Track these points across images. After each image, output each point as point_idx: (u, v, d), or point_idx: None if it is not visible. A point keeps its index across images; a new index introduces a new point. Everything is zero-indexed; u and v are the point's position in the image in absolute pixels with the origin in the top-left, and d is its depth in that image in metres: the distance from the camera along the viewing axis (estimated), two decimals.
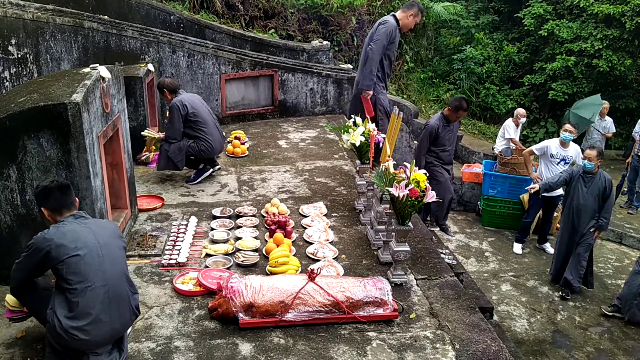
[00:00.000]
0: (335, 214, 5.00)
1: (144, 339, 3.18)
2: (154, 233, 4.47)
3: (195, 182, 5.65)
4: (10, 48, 5.57)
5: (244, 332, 3.25)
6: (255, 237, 4.41)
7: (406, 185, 3.51)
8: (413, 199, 3.53)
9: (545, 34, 12.41)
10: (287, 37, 9.42)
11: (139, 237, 4.39)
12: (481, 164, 8.54)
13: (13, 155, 3.38)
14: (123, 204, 4.44)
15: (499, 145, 8.79)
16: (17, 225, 3.55)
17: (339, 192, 5.55)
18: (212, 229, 4.56)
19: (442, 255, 4.49)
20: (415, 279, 3.94)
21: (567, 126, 6.77)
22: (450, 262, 4.69)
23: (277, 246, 4.11)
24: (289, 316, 3.27)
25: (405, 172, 3.65)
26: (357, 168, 4.96)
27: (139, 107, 6.07)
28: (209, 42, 7.76)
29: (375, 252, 4.26)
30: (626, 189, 9.01)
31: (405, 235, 3.74)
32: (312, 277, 3.40)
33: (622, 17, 11.32)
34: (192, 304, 3.54)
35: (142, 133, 5.90)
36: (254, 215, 4.85)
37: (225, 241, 4.34)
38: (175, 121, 5.42)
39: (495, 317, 4.85)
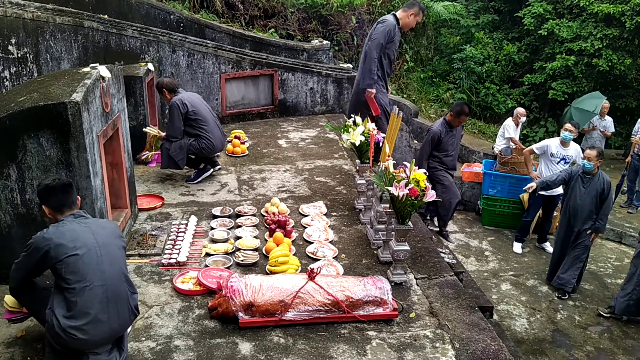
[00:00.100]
0: (335, 214, 5.00)
1: (144, 338, 3.19)
2: (154, 232, 4.48)
3: (196, 181, 5.65)
4: (10, 47, 5.57)
5: (243, 332, 3.25)
6: (255, 237, 4.41)
7: (406, 185, 3.52)
8: (413, 198, 3.53)
9: (545, 33, 12.41)
10: (287, 37, 9.42)
11: (139, 237, 4.39)
12: (481, 163, 8.54)
13: (13, 155, 3.38)
14: (123, 204, 4.44)
15: (499, 144, 8.79)
16: (17, 224, 3.55)
17: (338, 191, 5.55)
18: (212, 228, 4.57)
19: (442, 255, 4.50)
20: (415, 278, 3.94)
21: (568, 125, 6.77)
22: (450, 261, 4.70)
23: (277, 245, 4.11)
24: (289, 315, 3.28)
25: (404, 171, 3.65)
26: (357, 167, 4.96)
27: (139, 107, 6.07)
28: (208, 41, 7.76)
29: (375, 252, 4.27)
30: (626, 188, 9.01)
31: (405, 235, 3.74)
32: (312, 276, 3.40)
33: (622, 17, 11.31)
34: (192, 303, 3.54)
35: (145, 130, 5.89)
36: (253, 215, 4.86)
37: (225, 240, 4.34)
38: (176, 120, 5.43)
39: (495, 317, 4.86)
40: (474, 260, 6.94)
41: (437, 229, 6.35)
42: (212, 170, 5.80)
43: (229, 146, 6.61)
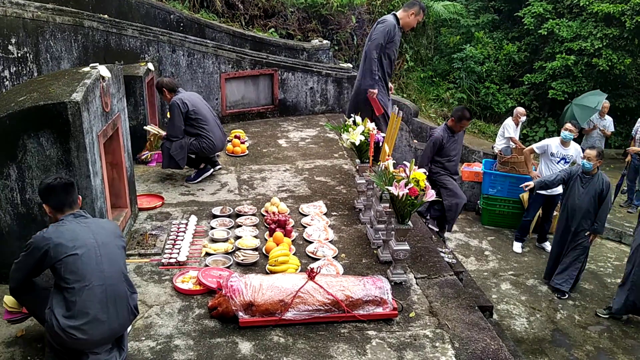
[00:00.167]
0: (335, 213, 5.00)
1: (144, 338, 3.19)
2: (154, 232, 4.48)
3: (196, 181, 5.65)
4: (10, 47, 5.57)
5: (243, 331, 3.26)
6: (255, 236, 4.41)
7: (406, 184, 3.52)
8: (412, 197, 3.53)
9: (545, 33, 12.41)
10: (287, 36, 9.42)
11: (139, 236, 4.40)
12: (481, 163, 8.55)
13: (13, 155, 3.39)
14: (123, 203, 4.44)
15: (499, 144, 8.79)
16: (17, 224, 3.56)
17: (338, 191, 5.56)
18: (212, 228, 4.57)
19: (442, 254, 4.50)
20: (414, 277, 3.94)
21: (568, 125, 6.77)
22: (450, 261, 4.70)
23: (277, 245, 4.11)
24: (289, 315, 3.28)
25: (404, 171, 3.65)
26: (357, 167, 4.96)
27: (139, 106, 6.08)
28: (208, 41, 7.76)
29: (374, 251, 4.27)
30: (626, 188, 9.02)
31: (404, 234, 3.75)
32: (311, 276, 3.40)
33: (622, 16, 11.32)
34: (192, 303, 3.54)
35: (146, 128, 5.88)
36: (253, 214, 4.86)
37: (225, 240, 4.34)
38: (176, 119, 5.43)
39: (494, 316, 4.86)
40: (474, 260, 6.94)
41: (437, 229, 6.33)
42: (212, 170, 5.81)
43: (229, 146, 6.61)
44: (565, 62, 11.92)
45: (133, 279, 3.72)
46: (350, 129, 4.81)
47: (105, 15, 6.89)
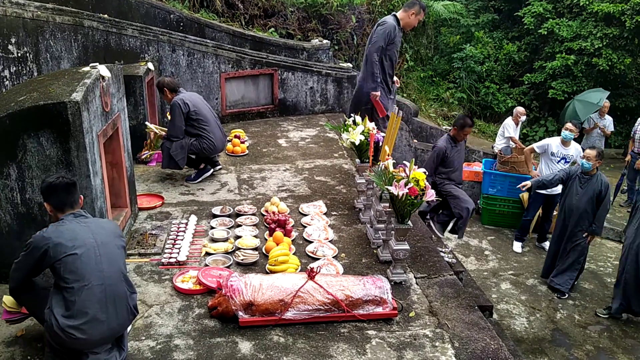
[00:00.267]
0: (334, 213, 5.00)
1: (144, 338, 3.19)
2: (154, 232, 4.48)
3: (196, 181, 5.65)
4: (10, 47, 5.57)
5: (243, 331, 3.26)
6: (255, 236, 4.41)
7: (405, 184, 3.52)
8: (412, 197, 3.53)
9: (545, 32, 12.41)
10: (287, 36, 9.42)
11: (139, 236, 4.40)
12: (481, 162, 8.55)
13: (13, 154, 3.39)
14: (123, 203, 4.44)
15: (499, 143, 8.79)
16: (17, 223, 3.56)
17: (338, 190, 5.56)
18: (212, 228, 4.57)
19: (442, 254, 4.50)
20: (414, 277, 3.95)
21: (568, 125, 6.78)
22: (450, 260, 4.70)
23: (277, 245, 4.11)
24: (289, 315, 3.28)
25: (404, 170, 3.65)
26: (357, 167, 4.96)
27: (139, 106, 6.07)
28: (208, 40, 7.76)
29: (374, 251, 4.27)
30: (626, 188, 9.02)
31: (404, 234, 3.75)
32: (311, 275, 3.40)
33: (622, 16, 11.32)
34: (192, 303, 3.54)
35: (146, 124, 5.85)
36: (253, 214, 4.86)
37: (225, 240, 4.34)
38: (177, 119, 5.43)
39: (494, 316, 4.87)
40: (474, 260, 6.95)
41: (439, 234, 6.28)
42: (212, 170, 5.81)
43: (229, 145, 6.61)
44: (565, 62, 11.93)
45: (133, 278, 3.72)
46: (350, 129, 4.81)
47: (105, 15, 6.89)
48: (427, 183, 3.61)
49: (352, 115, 5.09)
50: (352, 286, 3.43)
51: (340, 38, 10.27)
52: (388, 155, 4.02)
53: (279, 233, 4.25)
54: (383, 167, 3.90)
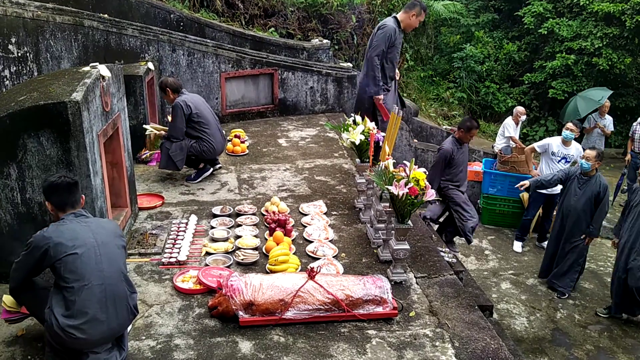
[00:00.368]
0: (335, 213, 5.00)
1: (144, 337, 3.19)
2: (154, 231, 4.48)
3: (196, 181, 5.65)
4: (10, 47, 5.57)
5: (244, 330, 3.26)
6: (255, 236, 4.41)
7: (405, 184, 3.52)
8: (412, 197, 3.53)
9: (545, 32, 12.41)
10: (287, 36, 9.43)
11: (139, 236, 4.40)
12: (481, 162, 8.55)
13: (13, 154, 3.39)
14: (123, 203, 4.44)
15: (499, 143, 8.80)
16: (17, 223, 3.56)
17: (338, 190, 5.56)
18: (212, 228, 4.57)
19: (442, 254, 4.50)
20: (414, 277, 3.95)
21: (569, 125, 6.78)
22: (450, 260, 4.70)
23: (277, 244, 4.11)
24: (289, 314, 3.28)
25: (404, 170, 3.65)
26: (357, 166, 4.96)
27: (139, 106, 6.08)
28: (208, 40, 7.76)
29: (375, 251, 4.27)
30: (626, 187, 9.02)
31: (404, 234, 3.75)
32: (312, 275, 3.40)
33: (622, 15, 11.32)
34: (192, 302, 3.55)
35: (146, 128, 5.84)
36: (253, 214, 4.86)
37: (225, 239, 4.34)
38: (178, 121, 5.43)
39: (494, 315, 4.86)
40: (474, 259, 6.95)
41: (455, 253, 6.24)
42: (212, 169, 5.81)
43: (229, 145, 6.61)
44: (566, 62, 11.92)
45: (133, 278, 3.72)
46: (350, 129, 4.81)
47: (105, 15, 6.89)
48: (427, 183, 3.61)
49: (352, 114, 5.09)
50: (352, 286, 3.43)
51: (341, 38, 10.27)
52: (388, 155, 4.02)
53: (279, 233, 4.25)
54: (383, 167, 3.90)
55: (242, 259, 4.01)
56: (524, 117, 8.83)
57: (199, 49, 7.52)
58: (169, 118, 6.03)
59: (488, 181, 7.92)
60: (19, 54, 5.69)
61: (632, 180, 8.71)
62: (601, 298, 6.12)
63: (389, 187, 3.58)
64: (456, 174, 5.92)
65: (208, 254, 4.13)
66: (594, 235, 5.93)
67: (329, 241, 4.37)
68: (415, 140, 8.98)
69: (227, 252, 4.14)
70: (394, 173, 3.71)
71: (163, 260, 4.03)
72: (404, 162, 3.74)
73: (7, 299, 2.97)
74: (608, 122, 9.48)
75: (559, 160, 6.84)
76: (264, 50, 8.36)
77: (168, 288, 3.71)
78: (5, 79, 5.51)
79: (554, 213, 7.28)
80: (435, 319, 3.45)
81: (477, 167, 8.57)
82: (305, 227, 4.62)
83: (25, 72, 5.79)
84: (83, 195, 2.96)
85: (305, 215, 4.88)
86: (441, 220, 6.42)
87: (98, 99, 3.74)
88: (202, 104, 5.62)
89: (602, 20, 11.84)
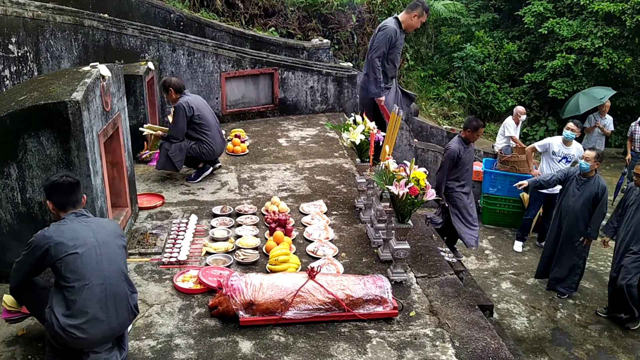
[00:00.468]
0: (335, 212, 5.00)
1: (144, 337, 3.19)
2: (154, 231, 4.48)
3: (196, 180, 5.65)
4: (10, 46, 5.57)
5: (244, 330, 3.26)
6: (256, 235, 4.41)
7: (406, 184, 3.52)
8: (413, 197, 3.53)
9: (546, 32, 12.41)
10: (287, 35, 9.42)
11: (139, 236, 4.40)
12: (481, 162, 8.55)
13: (13, 154, 3.39)
14: (123, 202, 4.44)
15: (499, 143, 8.79)
16: (18, 223, 3.56)
17: (339, 190, 5.56)
18: (213, 227, 4.57)
19: (442, 253, 4.50)
20: (415, 277, 3.95)
21: (570, 124, 6.78)
22: (450, 260, 4.70)
23: (277, 244, 4.11)
24: (289, 314, 3.28)
25: (405, 170, 3.65)
26: (357, 166, 4.96)
27: (139, 106, 6.08)
28: (209, 40, 7.76)
29: (375, 250, 4.27)
30: (626, 187, 9.00)
31: (405, 233, 3.75)
32: (312, 275, 3.40)
33: (623, 15, 11.31)
34: (193, 302, 3.55)
35: (144, 128, 5.83)
36: (254, 214, 4.86)
37: (226, 239, 4.35)
38: (180, 121, 5.43)
39: (495, 315, 4.86)
40: (474, 259, 6.95)
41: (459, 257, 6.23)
42: (211, 168, 5.81)
43: (229, 145, 6.61)
44: (566, 61, 11.92)
45: (133, 278, 3.72)
46: (350, 128, 4.81)
47: (106, 15, 6.89)
48: (427, 182, 3.60)
49: (352, 114, 5.09)
50: (352, 285, 3.43)
51: (341, 37, 10.27)
52: (388, 155, 4.02)
53: (279, 232, 4.25)
54: (383, 167, 3.90)
55: (242, 259, 4.01)
56: (524, 117, 8.82)
57: (199, 49, 7.52)
58: (169, 118, 6.03)
59: (488, 181, 7.92)
60: (19, 54, 5.69)
61: (632, 180, 8.71)
62: (601, 298, 6.12)
63: (389, 187, 3.58)
64: (462, 173, 5.91)
65: (208, 253, 4.13)
66: (592, 236, 5.90)
67: (329, 241, 4.37)
68: (416, 140, 8.98)
69: (227, 252, 4.14)
70: (394, 173, 3.71)
71: (163, 260, 4.03)
72: (404, 161, 3.74)
73: (8, 298, 2.97)
74: (608, 121, 9.47)
75: (560, 160, 6.84)
76: (264, 50, 8.36)
77: (168, 288, 3.71)
78: (5, 79, 5.51)
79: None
80: (435, 318, 3.45)
81: (477, 166, 8.55)
82: (306, 226, 4.62)
83: (25, 71, 5.79)
84: (84, 195, 2.96)
85: (306, 215, 4.88)
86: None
87: (98, 99, 3.74)
88: (204, 106, 5.62)
89: (603, 19, 11.83)
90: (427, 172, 3.71)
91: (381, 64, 5.69)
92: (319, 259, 4.05)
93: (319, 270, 3.56)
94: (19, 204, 3.52)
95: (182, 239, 4.31)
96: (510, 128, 8.64)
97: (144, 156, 6.19)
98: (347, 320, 3.36)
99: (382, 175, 3.80)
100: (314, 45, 8.88)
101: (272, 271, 3.78)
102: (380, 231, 4.26)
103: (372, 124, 4.75)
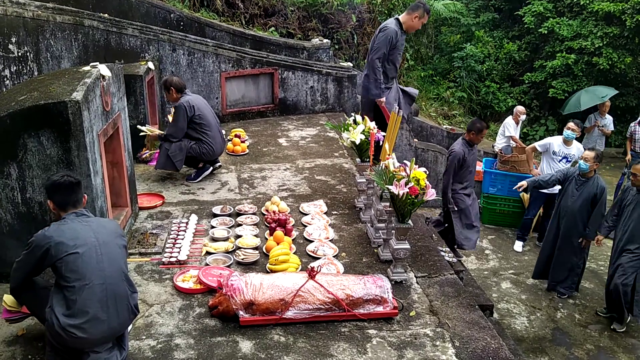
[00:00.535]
0: (335, 212, 5.00)
1: (144, 337, 3.19)
2: (154, 231, 4.48)
3: (196, 180, 5.65)
4: (10, 46, 5.57)
5: (244, 330, 3.26)
6: (256, 235, 4.41)
7: (406, 183, 3.52)
8: (413, 196, 3.53)
9: (546, 31, 12.41)
10: (287, 35, 9.43)
11: (139, 235, 4.40)
12: (481, 161, 8.55)
13: (14, 154, 3.39)
14: (123, 202, 4.44)
15: (499, 143, 8.79)
16: (18, 223, 3.56)
17: (339, 190, 5.56)
18: (213, 227, 4.57)
19: (442, 253, 4.50)
20: (415, 276, 3.95)
21: (570, 124, 6.78)
22: (450, 259, 4.70)
23: (277, 244, 4.11)
24: (289, 314, 3.28)
25: (405, 170, 3.65)
26: (357, 166, 4.96)
27: (139, 106, 6.08)
28: (209, 40, 7.76)
29: (375, 250, 4.27)
30: (623, 187, 9.00)
31: (405, 233, 3.75)
32: (312, 275, 3.40)
33: (623, 15, 11.32)
34: (193, 302, 3.55)
35: (142, 129, 5.82)
36: (254, 213, 4.86)
37: (226, 239, 4.35)
38: (180, 121, 5.43)
39: (495, 315, 4.87)
40: (474, 259, 6.95)
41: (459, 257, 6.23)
42: (211, 168, 5.81)
43: (229, 145, 6.61)
44: (566, 61, 11.92)
45: (134, 278, 3.72)
46: (350, 128, 4.81)
47: (106, 15, 6.89)
48: (427, 182, 3.60)
49: (352, 114, 5.09)
50: (352, 285, 3.43)
51: (341, 37, 10.27)
52: (388, 155, 4.02)
53: (279, 232, 4.25)
54: (383, 167, 3.90)
55: (242, 259, 4.02)
56: (524, 117, 8.82)
57: (199, 49, 7.52)
58: (170, 118, 6.03)
59: (488, 181, 7.92)
60: (19, 54, 5.69)
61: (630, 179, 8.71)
62: (601, 297, 6.11)
63: (390, 187, 3.58)
64: (465, 175, 5.92)
65: (208, 253, 4.14)
66: (591, 237, 5.90)
67: (329, 241, 4.37)
68: (416, 140, 8.97)
69: (227, 252, 4.14)
70: (394, 172, 3.71)
71: (163, 259, 4.03)
72: (404, 161, 3.74)
73: (8, 298, 2.97)
74: (608, 121, 9.47)
75: (560, 160, 6.84)
76: (264, 50, 8.36)
77: (168, 287, 3.71)
78: (5, 79, 5.51)
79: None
80: (435, 318, 3.45)
81: (477, 166, 8.57)
82: (306, 226, 4.62)
83: (25, 71, 5.79)
84: (85, 195, 2.96)
85: (306, 214, 4.88)
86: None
87: (98, 99, 3.74)
88: (205, 106, 5.62)
89: (603, 19, 11.83)
90: (427, 172, 3.71)
91: (382, 64, 5.68)
92: (319, 258, 4.05)
93: (319, 270, 3.56)
94: (19, 203, 3.52)
95: (182, 239, 4.31)
96: (510, 128, 8.64)
97: (144, 156, 6.19)
98: (347, 320, 3.36)
99: (382, 175, 3.80)
100: (314, 45, 8.88)
101: (272, 271, 3.78)
102: (380, 231, 4.27)
103: (372, 124, 4.75)
